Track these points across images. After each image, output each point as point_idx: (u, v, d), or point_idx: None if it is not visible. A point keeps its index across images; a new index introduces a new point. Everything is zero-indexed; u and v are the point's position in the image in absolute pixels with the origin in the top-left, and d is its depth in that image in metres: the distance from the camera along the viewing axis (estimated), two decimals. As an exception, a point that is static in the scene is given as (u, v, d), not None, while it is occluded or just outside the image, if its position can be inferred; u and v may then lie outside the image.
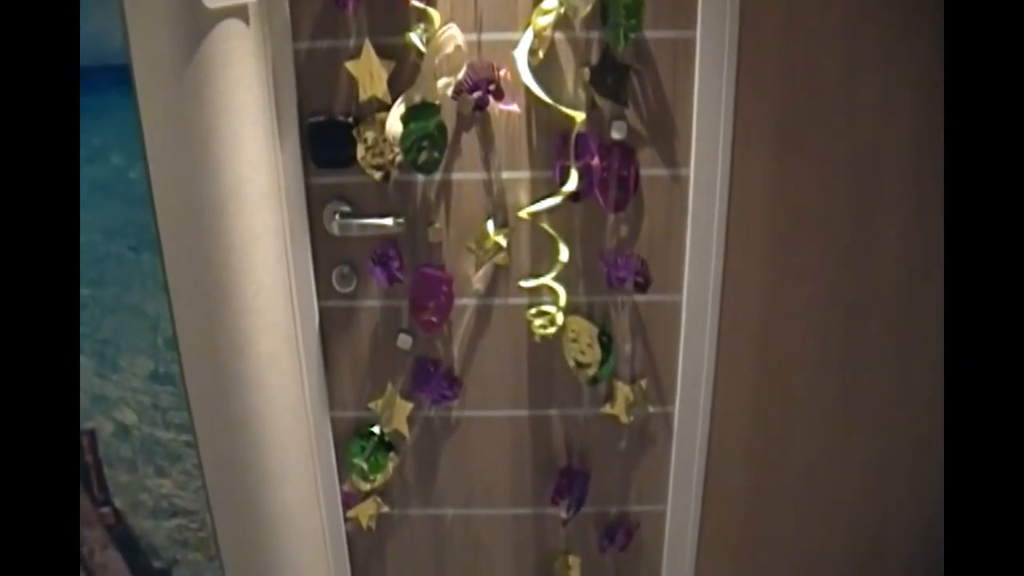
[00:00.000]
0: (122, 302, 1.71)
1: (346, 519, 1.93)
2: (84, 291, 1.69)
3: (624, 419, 1.82)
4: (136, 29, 1.42)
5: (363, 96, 1.60)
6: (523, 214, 1.64)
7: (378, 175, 1.65)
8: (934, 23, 1.57)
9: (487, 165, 1.67)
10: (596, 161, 1.63)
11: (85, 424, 1.77)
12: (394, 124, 1.56)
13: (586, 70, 1.60)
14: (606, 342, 1.75)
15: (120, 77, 1.48)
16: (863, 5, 1.59)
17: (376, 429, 1.86)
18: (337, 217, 1.68)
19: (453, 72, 1.56)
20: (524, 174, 1.67)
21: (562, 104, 1.58)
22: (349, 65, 1.60)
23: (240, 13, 1.49)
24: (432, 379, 1.79)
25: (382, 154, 1.63)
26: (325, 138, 1.65)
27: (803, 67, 1.62)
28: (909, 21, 1.59)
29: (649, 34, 1.60)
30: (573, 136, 1.59)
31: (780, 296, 1.76)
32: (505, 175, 1.67)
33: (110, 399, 1.77)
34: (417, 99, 1.58)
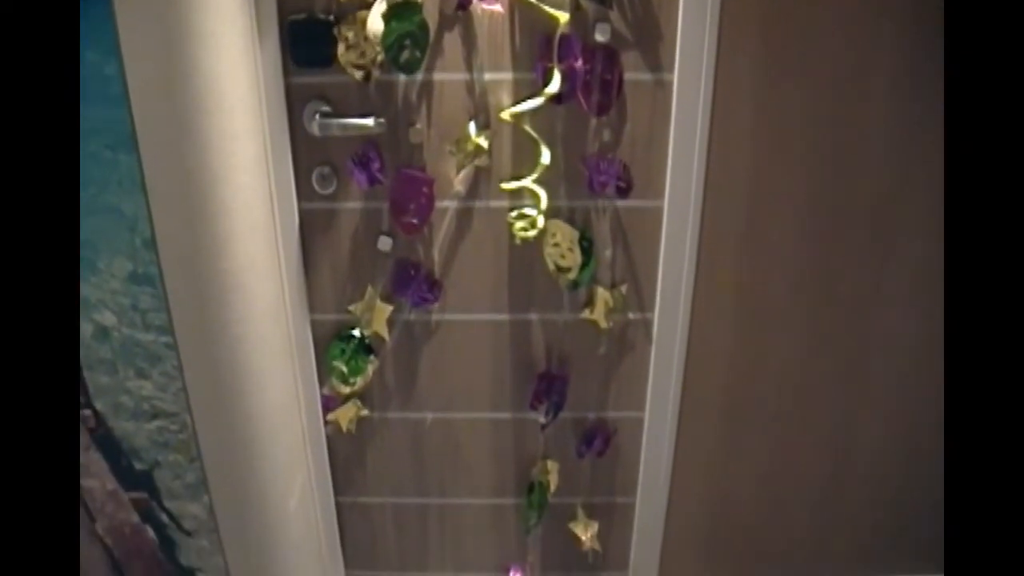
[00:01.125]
0: (99, 203, 1.69)
1: (326, 422, 1.94)
2: (61, 191, 1.67)
3: (603, 325, 1.83)
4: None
5: (345, -9, 1.57)
6: (505, 115, 1.63)
7: (359, 75, 1.63)
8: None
9: (469, 66, 1.65)
10: (579, 63, 1.62)
11: (64, 325, 1.76)
12: (375, 22, 1.54)
13: (571, -31, 1.57)
14: (587, 246, 1.75)
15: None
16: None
17: (356, 332, 1.86)
18: (317, 117, 1.67)
19: (436, -31, 1.53)
20: (507, 75, 1.65)
21: (546, 5, 1.55)
22: (330, -40, 1.56)
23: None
24: (412, 282, 1.79)
25: (363, 53, 1.61)
26: (305, 36, 1.63)
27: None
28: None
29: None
30: (556, 38, 1.58)
31: (761, 204, 1.76)
32: (487, 76, 1.65)
33: (89, 301, 1.75)
34: (399, -4, 1.55)
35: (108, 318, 1.76)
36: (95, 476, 1.90)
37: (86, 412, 1.84)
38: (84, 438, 1.86)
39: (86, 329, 1.77)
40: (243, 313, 1.64)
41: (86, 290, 1.74)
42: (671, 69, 1.65)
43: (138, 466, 1.90)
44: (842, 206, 1.76)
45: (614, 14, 1.61)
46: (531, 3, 1.53)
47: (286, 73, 1.65)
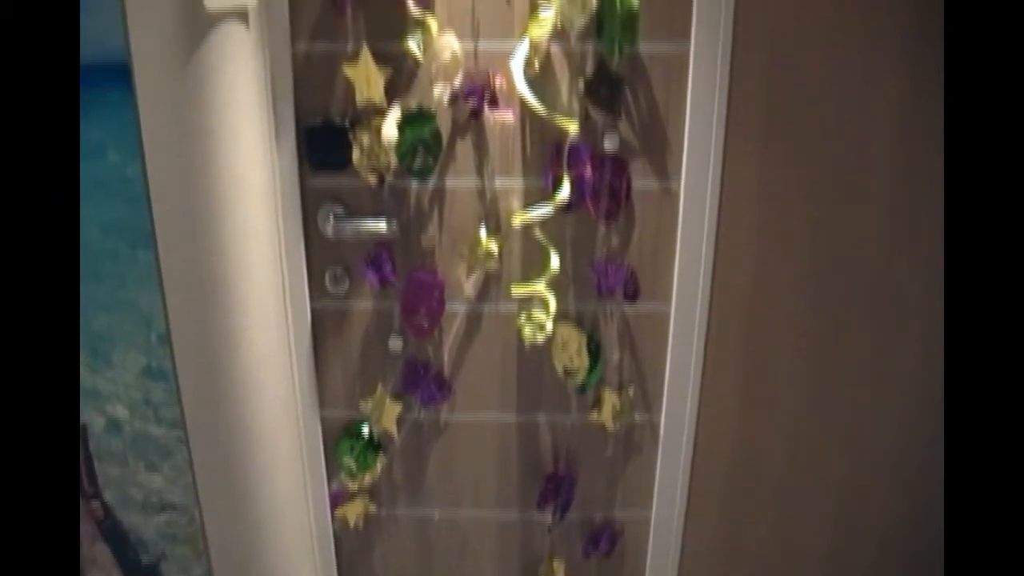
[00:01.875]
0: (116, 298, 1.73)
1: (334, 517, 1.95)
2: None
3: (611, 426, 1.84)
4: (137, 28, 1.43)
5: (360, 100, 1.62)
6: (516, 222, 1.66)
7: (373, 179, 1.67)
8: (917, 42, 1.60)
9: (481, 172, 1.69)
10: (589, 171, 1.65)
11: (77, 417, 1.79)
12: (390, 129, 1.58)
13: (581, 81, 1.62)
14: (594, 350, 1.77)
15: (120, 75, 1.49)
16: (850, 24, 1.61)
17: (365, 429, 1.88)
18: (332, 219, 1.70)
19: (449, 79, 1.58)
20: (517, 182, 1.69)
21: (556, 114, 1.59)
22: (347, 69, 1.61)
23: (240, 15, 1.51)
24: (422, 381, 1.81)
25: (377, 158, 1.65)
26: (321, 141, 1.67)
27: (793, 84, 1.64)
28: (894, 40, 1.61)
29: (643, 47, 1.62)
30: (566, 146, 1.61)
31: (766, 309, 1.78)
32: (498, 182, 1.69)
33: (102, 394, 1.78)
34: (413, 105, 1.60)
35: (120, 411, 1.79)
36: (101, 568, 1.91)
37: (94, 503, 1.85)
38: (92, 529, 1.87)
39: (98, 422, 1.80)
40: (254, 408, 1.66)
41: (100, 383, 1.77)
42: (678, 177, 1.69)
43: (145, 559, 1.90)
44: (847, 308, 1.78)
45: (623, 123, 1.65)
46: (542, 113, 1.56)
47: (302, 175, 1.69)
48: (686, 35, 1.62)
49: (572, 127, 1.59)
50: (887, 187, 1.70)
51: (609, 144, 1.65)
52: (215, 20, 1.45)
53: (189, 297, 1.58)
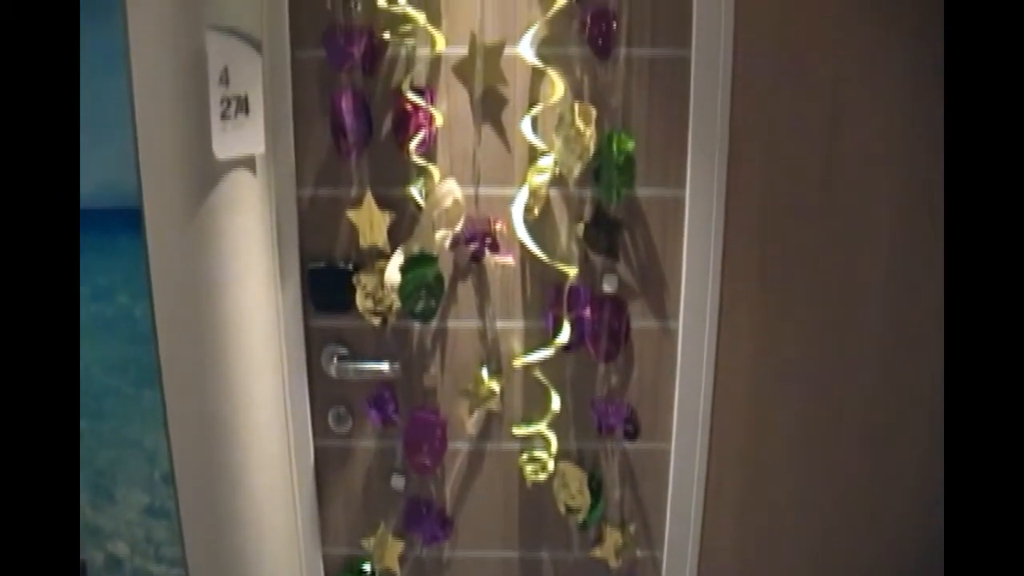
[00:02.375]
0: (120, 436, 1.74)
1: (335, 655, 1.93)
2: (83, 424, 1.72)
3: (613, 562, 1.84)
4: (149, 176, 1.47)
5: (363, 244, 1.65)
6: (517, 364, 1.68)
7: (376, 320, 1.69)
8: (912, 168, 1.66)
9: (482, 314, 1.71)
10: (588, 313, 1.68)
11: (78, 556, 1.79)
12: (393, 273, 1.61)
13: (579, 226, 1.66)
14: (596, 487, 1.78)
15: (130, 220, 1.53)
16: (840, 165, 1.66)
17: (367, 567, 1.87)
18: (335, 360, 1.72)
19: (451, 224, 1.62)
20: (518, 323, 1.72)
21: (556, 258, 1.63)
22: (350, 213, 1.65)
23: (248, 163, 1.55)
24: (424, 519, 1.81)
25: (381, 300, 1.68)
26: (325, 283, 1.70)
27: (787, 227, 1.68)
28: (890, 190, 1.66)
29: (640, 192, 1.66)
30: (566, 288, 1.64)
31: (765, 445, 1.79)
32: (499, 324, 1.72)
33: (104, 531, 1.78)
34: (416, 250, 1.64)
35: (121, 549, 1.79)
36: None
37: (93, 641, 1.84)
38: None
39: (98, 558, 1.79)
40: (256, 545, 1.66)
41: (101, 520, 1.77)
42: (676, 317, 1.71)
43: None
44: (842, 445, 1.80)
45: (621, 265, 1.68)
46: (542, 258, 1.59)
47: (306, 316, 1.72)
48: (682, 179, 1.66)
49: (571, 271, 1.62)
50: (883, 323, 1.73)
51: (608, 286, 1.68)
52: (225, 168, 1.50)
53: (193, 436, 1.59)
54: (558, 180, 1.64)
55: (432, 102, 1.62)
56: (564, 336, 1.63)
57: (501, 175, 1.65)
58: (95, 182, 1.59)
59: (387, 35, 1.60)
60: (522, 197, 1.60)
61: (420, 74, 1.63)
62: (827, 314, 1.72)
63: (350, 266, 1.68)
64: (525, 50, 1.58)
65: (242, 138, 1.54)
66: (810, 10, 1.62)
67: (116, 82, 1.49)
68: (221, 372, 1.55)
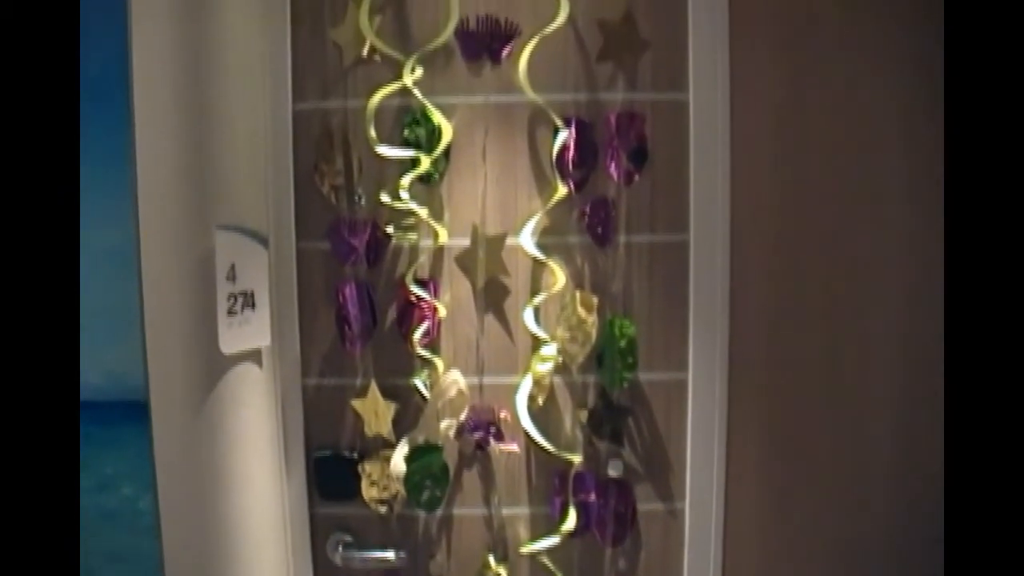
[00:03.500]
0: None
1: None
2: (85, 615, 1.70)
3: None
4: (156, 370, 1.49)
5: (369, 433, 1.66)
6: (524, 551, 1.67)
7: (382, 509, 1.69)
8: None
9: (487, 501, 1.71)
10: (594, 498, 1.68)
11: None
12: (398, 463, 1.62)
13: (583, 412, 1.66)
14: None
15: (137, 412, 1.53)
16: (842, 345, 1.69)
17: None
18: (340, 548, 1.71)
19: (455, 414, 1.63)
20: (524, 510, 1.71)
21: (560, 444, 1.64)
22: (355, 403, 1.66)
23: (254, 356, 1.57)
24: None
25: (386, 489, 1.67)
26: (331, 472, 1.70)
27: (790, 405, 1.71)
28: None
29: (643, 376, 1.67)
30: (571, 474, 1.64)
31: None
32: (505, 511, 1.71)
33: None
34: (421, 440, 1.64)
35: None
36: None
37: None
38: None
39: None
40: None
41: None
42: (682, 498, 1.71)
43: None
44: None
45: (625, 450, 1.69)
46: (546, 447, 1.60)
47: (311, 504, 1.72)
48: (684, 362, 1.67)
49: (576, 459, 1.63)
50: (888, 497, 1.73)
51: (613, 471, 1.68)
52: (231, 362, 1.51)
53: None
54: (561, 367, 1.64)
55: (435, 293, 1.65)
56: (570, 523, 1.62)
57: (505, 364, 1.66)
58: (102, 375, 1.60)
59: (390, 229, 1.62)
60: (526, 386, 1.61)
61: (423, 265, 1.65)
62: (833, 492, 1.72)
63: (355, 455, 1.68)
64: (526, 242, 1.60)
65: (248, 333, 1.56)
66: (806, 197, 1.67)
67: (125, 276, 1.50)
68: (224, 564, 1.54)
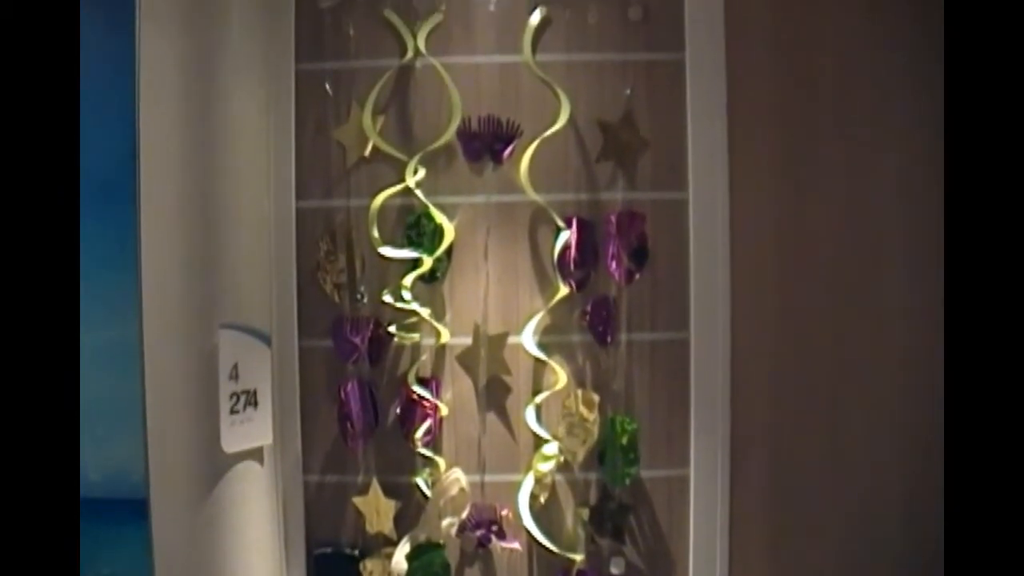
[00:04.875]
0: None
1: None
2: None
3: None
4: (157, 468, 1.48)
5: (370, 530, 1.66)
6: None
7: (384, 605, 1.69)
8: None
9: (489, 593, 1.71)
10: (598, 596, 1.68)
11: None
12: (399, 561, 1.62)
13: (585, 511, 1.66)
14: None
15: (137, 511, 1.52)
16: (844, 436, 1.69)
17: None
18: (341, 643, 1.71)
19: (457, 511, 1.63)
20: (528, 598, 1.71)
21: (562, 542, 1.65)
22: (357, 500, 1.67)
23: (256, 455, 1.57)
24: None
25: (387, 586, 1.67)
26: (332, 569, 1.70)
27: (793, 500, 1.71)
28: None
29: (645, 473, 1.67)
30: (573, 572, 1.64)
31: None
32: (509, 599, 1.71)
33: None
34: (422, 538, 1.64)
35: None
36: None
37: None
38: None
39: None
40: None
41: None
42: (685, 588, 1.70)
43: None
44: None
45: (627, 547, 1.68)
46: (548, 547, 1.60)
47: (312, 599, 1.71)
48: (686, 460, 1.67)
49: (577, 558, 1.63)
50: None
51: (615, 568, 1.68)
52: (233, 461, 1.51)
53: None
54: (563, 465, 1.65)
55: (437, 392, 1.65)
56: (576, 625, 1.62)
57: (506, 462, 1.67)
58: (102, 472, 1.59)
59: (392, 328, 1.63)
60: (528, 484, 1.61)
61: (425, 364, 1.66)
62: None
63: (357, 552, 1.68)
64: (528, 341, 1.61)
65: (250, 431, 1.56)
66: (807, 294, 1.69)
67: (127, 372, 1.51)
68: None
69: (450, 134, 1.64)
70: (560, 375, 1.62)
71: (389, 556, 1.65)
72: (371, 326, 1.67)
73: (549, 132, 1.62)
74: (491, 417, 1.68)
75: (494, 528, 1.66)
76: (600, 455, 1.66)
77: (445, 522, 1.62)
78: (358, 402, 1.66)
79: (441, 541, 1.64)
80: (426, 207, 1.64)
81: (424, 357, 1.67)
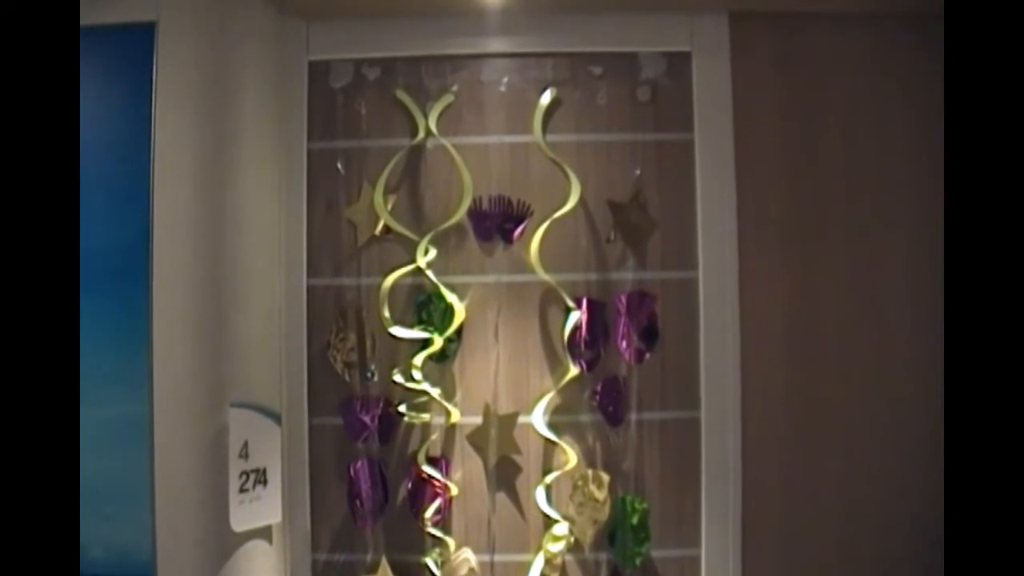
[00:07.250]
0: None
1: None
2: None
3: None
4: (164, 546, 1.48)
5: (381, 611, 1.65)
6: None
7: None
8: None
9: None
10: None
11: None
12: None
13: (597, 596, 1.66)
14: None
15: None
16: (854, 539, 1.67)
17: None
18: None
19: (466, 593, 1.62)
20: None
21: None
22: (366, 580, 1.65)
23: (264, 533, 1.56)
24: None
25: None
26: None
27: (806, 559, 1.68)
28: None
29: (656, 553, 1.66)
30: None
31: None
32: None
33: None
34: (434, 618, 1.63)
35: None
36: None
37: None
38: None
39: None
40: None
41: None
42: None
43: None
44: None
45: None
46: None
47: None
48: (697, 538, 1.67)
49: (589, 642, 1.62)
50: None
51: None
52: (241, 539, 1.51)
53: None
54: (573, 545, 1.64)
55: (447, 471, 1.65)
56: None
57: (516, 543, 1.66)
58: (108, 550, 1.58)
59: (403, 408, 1.63)
60: (538, 566, 1.61)
61: (435, 443, 1.66)
62: None
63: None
64: (538, 421, 1.61)
65: (259, 510, 1.56)
66: (817, 372, 1.69)
67: (135, 449, 1.50)
68: None
69: (461, 214, 1.65)
70: (570, 455, 1.62)
71: (400, 646, 1.64)
72: (381, 405, 1.67)
73: (560, 213, 1.62)
74: (501, 497, 1.67)
75: (504, 612, 1.65)
76: (610, 535, 1.66)
77: (454, 601, 1.61)
78: (368, 481, 1.65)
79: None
80: (436, 287, 1.64)
81: (434, 436, 1.67)
